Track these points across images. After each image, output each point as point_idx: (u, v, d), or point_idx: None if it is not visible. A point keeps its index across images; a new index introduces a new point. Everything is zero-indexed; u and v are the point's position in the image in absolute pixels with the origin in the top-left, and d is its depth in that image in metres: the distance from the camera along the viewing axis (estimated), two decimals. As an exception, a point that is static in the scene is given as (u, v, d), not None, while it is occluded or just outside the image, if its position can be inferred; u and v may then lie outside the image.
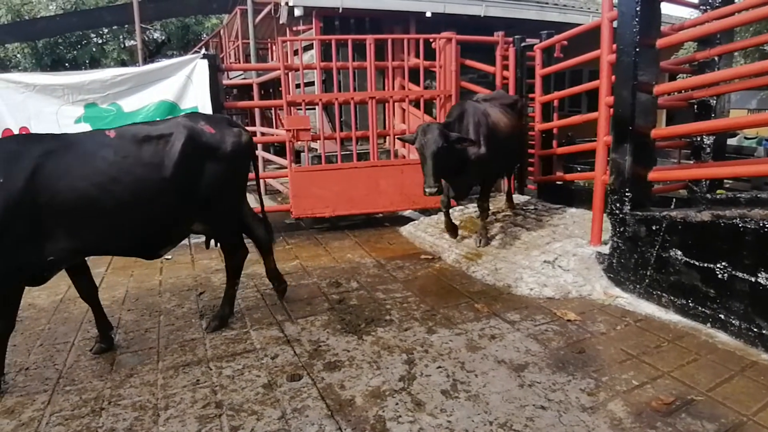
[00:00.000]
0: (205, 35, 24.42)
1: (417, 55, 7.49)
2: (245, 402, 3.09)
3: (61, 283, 5.21)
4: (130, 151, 3.45)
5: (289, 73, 7.08)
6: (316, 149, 7.56)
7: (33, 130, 6.37)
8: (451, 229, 5.95)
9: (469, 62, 8.06)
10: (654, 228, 4.20)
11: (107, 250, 3.82)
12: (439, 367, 3.41)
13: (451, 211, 7.07)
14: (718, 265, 3.71)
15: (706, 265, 3.81)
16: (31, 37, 19.81)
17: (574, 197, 6.92)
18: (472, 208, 7.14)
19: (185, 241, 6.19)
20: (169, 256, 6.09)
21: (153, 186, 3.48)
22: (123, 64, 22.96)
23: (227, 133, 3.82)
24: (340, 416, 2.91)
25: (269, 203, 9.27)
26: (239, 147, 3.86)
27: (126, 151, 3.44)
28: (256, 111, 11.29)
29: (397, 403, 3.01)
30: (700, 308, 3.89)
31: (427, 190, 4.77)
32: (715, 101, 5.47)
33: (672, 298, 4.10)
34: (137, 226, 3.55)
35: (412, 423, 2.83)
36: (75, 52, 23.69)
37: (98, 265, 5.63)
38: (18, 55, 23.04)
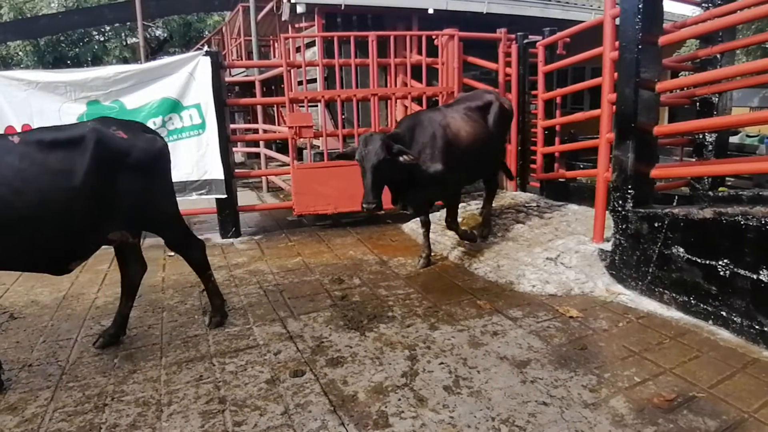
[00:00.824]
0: (207, 32, 24.43)
1: (419, 52, 7.50)
2: (248, 397, 3.10)
3: (63, 280, 5.24)
4: (36, 158, 3.19)
5: (292, 70, 7.08)
6: (319, 146, 7.57)
7: (35, 127, 6.39)
8: (425, 250, 5.47)
9: (471, 59, 8.06)
10: (656, 225, 4.20)
11: (11, 266, 3.54)
12: (442, 363, 3.42)
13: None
14: (720, 263, 3.71)
15: (708, 262, 3.81)
16: (33, 34, 19.83)
17: (577, 194, 6.92)
18: (474, 205, 7.15)
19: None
20: (172, 253, 6.11)
21: (60, 195, 3.23)
22: (125, 61, 22.99)
23: (140, 139, 3.60)
24: (342, 411, 2.92)
25: (272, 200, 9.30)
26: (152, 153, 3.63)
27: (31, 158, 3.18)
28: (259, 108, 11.29)
29: (399, 399, 3.02)
30: (702, 305, 3.89)
31: (364, 205, 4.49)
32: (717, 99, 5.48)
33: (674, 295, 4.11)
34: (44, 239, 3.28)
35: (414, 418, 2.84)
36: (77, 49, 23.72)
37: (101, 262, 5.65)
38: (20, 53, 23.08)
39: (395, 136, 4.81)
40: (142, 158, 3.56)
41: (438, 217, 6.85)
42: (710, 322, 3.83)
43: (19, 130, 6.37)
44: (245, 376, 3.34)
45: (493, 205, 7.10)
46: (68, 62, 23.50)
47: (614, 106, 4.78)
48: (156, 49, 26.15)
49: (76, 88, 6.35)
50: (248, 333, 3.98)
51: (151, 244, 6.51)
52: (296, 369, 3.39)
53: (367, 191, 4.49)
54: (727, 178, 6.00)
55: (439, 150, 4.88)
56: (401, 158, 4.53)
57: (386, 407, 2.95)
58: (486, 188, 6.17)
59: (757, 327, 3.49)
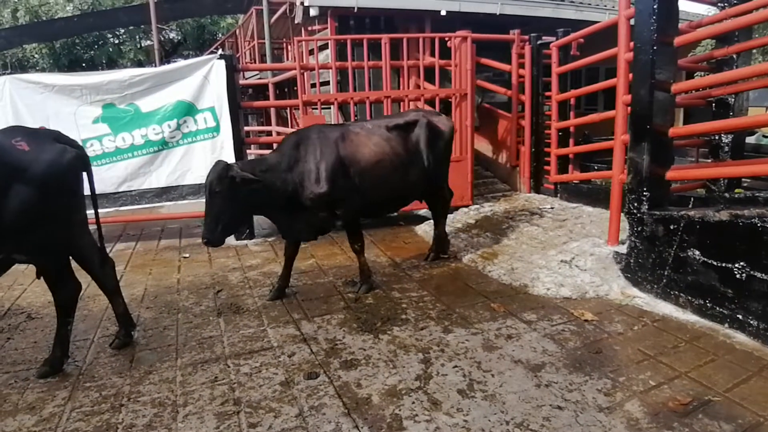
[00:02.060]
0: (220, 35, 24.57)
1: (432, 54, 7.49)
2: (263, 399, 3.11)
3: (80, 280, 5.29)
4: None
5: (305, 73, 7.11)
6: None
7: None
8: (281, 281, 4.84)
9: (484, 61, 8.06)
10: (672, 227, 4.17)
11: None
12: (456, 366, 3.41)
13: (465, 210, 7.11)
14: (737, 265, 3.68)
15: (724, 265, 3.78)
16: (49, 37, 20.06)
17: (591, 196, 6.89)
18: (487, 207, 7.14)
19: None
20: (187, 254, 6.16)
21: None
22: (139, 64, 23.22)
23: (44, 151, 3.28)
24: (356, 414, 2.93)
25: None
26: (55, 168, 3.29)
27: None
28: (272, 111, 11.34)
29: (413, 402, 3.02)
30: (717, 308, 3.86)
31: (203, 239, 4.15)
32: (733, 99, 5.43)
33: (689, 298, 4.08)
34: None
35: (428, 422, 2.84)
36: (92, 52, 23.97)
37: (117, 263, 5.68)
38: (36, 56, 23.35)
39: (259, 161, 4.46)
40: (41, 173, 3.21)
41: (452, 219, 6.86)
42: (726, 325, 3.80)
43: (35, 132, 6.45)
44: (260, 378, 3.36)
45: (505, 207, 7.11)
46: (83, 65, 23.77)
47: (629, 108, 4.75)
48: (170, 51, 26.36)
49: (92, 91, 6.42)
50: (262, 335, 4.00)
51: (167, 246, 6.58)
52: (310, 371, 3.40)
53: (205, 224, 4.14)
54: (743, 180, 5.94)
55: (327, 170, 4.39)
56: (250, 186, 4.08)
57: (400, 410, 2.95)
58: (431, 211, 5.85)
59: (774, 331, 3.46)
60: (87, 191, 3.72)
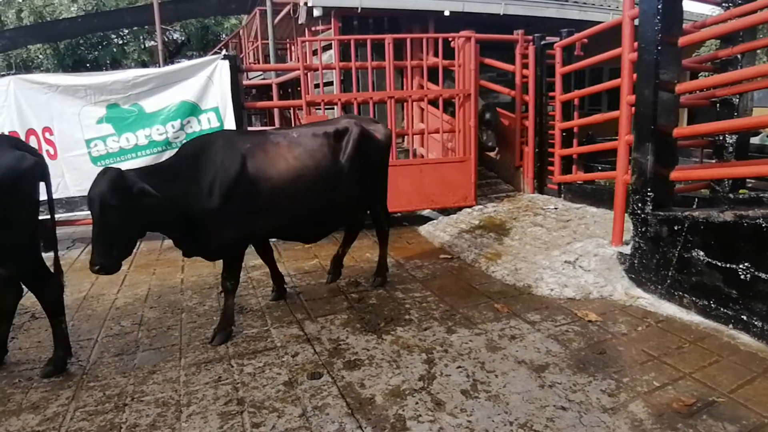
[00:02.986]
0: (224, 36, 24.63)
1: (436, 55, 7.49)
2: (266, 399, 3.12)
3: (84, 281, 5.33)
4: None
5: (308, 73, 7.12)
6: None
7: (55, 131, 6.50)
8: (225, 322, 4.07)
9: (488, 61, 8.05)
10: (676, 228, 4.16)
11: None
12: (459, 366, 3.41)
13: (469, 211, 7.11)
14: (741, 266, 3.67)
15: (728, 265, 3.77)
16: (53, 38, 20.13)
17: (595, 197, 6.87)
18: (491, 208, 7.13)
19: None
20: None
21: None
22: (143, 64, 23.28)
23: (2, 157, 3.17)
24: (360, 414, 2.93)
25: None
26: (12, 174, 3.18)
27: None
28: (276, 111, 11.34)
29: (416, 402, 3.02)
30: (722, 309, 3.85)
31: (93, 267, 3.30)
32: (737, 99, 5.41)
33: (694, 298, 4.06)
34: None
35: (432, 422, 2.84)
36: (96, 52, 24.04)
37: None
38: (40, 56, 23.43)
39: (155, 170, 3.86)
40: None
41: (455, 219, 6.86)
42: (730, 326, 3.78)
43: (40, 133, 6.47)
44: (263, 378, 3.36)
45: (509, 207, 7.10)
46: (87, 65, 23.84)
47: (633, 108, 4.75)
48: (174, 52, 26.42)
49: (96, 92, 6.44)
50: (266, 335, 4.01)
51: (171, 245, 6.57)
52: (314, 371, 3.40)
53: (95, 247, 3.31)
54: (748, 180, 5.92)
55: (224, 183, 3.77)
56: (146, 199, 3.37)
57: (404, 411, 2.95)
58: (345, 228, 5.20)
59: (779, 332, 3.45)
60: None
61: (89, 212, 3.34)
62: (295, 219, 4.22)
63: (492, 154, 8.71)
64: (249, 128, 7.29)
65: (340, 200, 4.46)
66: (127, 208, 3.31)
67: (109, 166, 3.93)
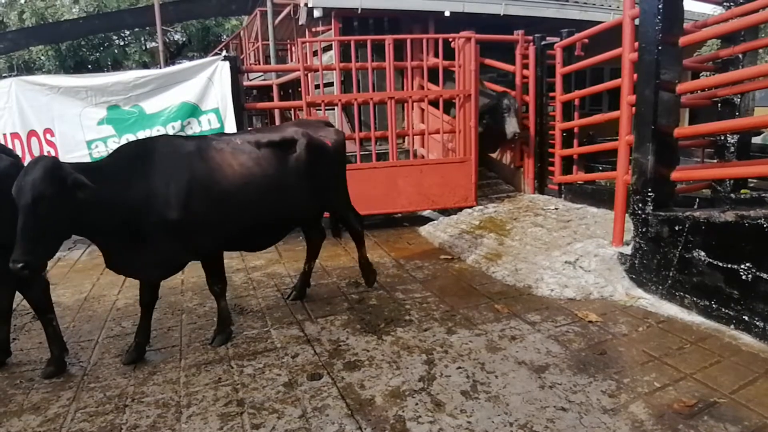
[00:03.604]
0: (225, 37, 24.61)
1: (436, 55, 7.49)
2: (266, 400, 3.11)
3: (85, 282, 5.34)
4: None
5: (309, 74, 7.11)
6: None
7: (56, 132, 6.52)
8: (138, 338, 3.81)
9: (488, 61, 8.06)
10: (677, 228, 4.15)
11: None
12: (459, 367, 3.41)
13: (469, 211, 7.10)
14: (742, 266, 3.66)
15: (729, 266, 3.76)
16: (55, 39, 20.11)
17: (596, 197, 6.86)
18: (491, 208, 7.12)
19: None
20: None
21: None
22: (144, 65, 23.27)
23: None
24: (360, 416, 2.92)
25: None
26: None
27: None
28: (276, 112, 11.33)
29: (416, 403, 3.02)
30: (723, 310, 3.84)
31: (11, 264, 2.91)
32: (739, 99, 5.40)
33: (695, 299, 4.06)
34: None
35: (432, 423, 2.83)
36: (97, 54, 24.03)
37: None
38: (42, 57, 23.41)
39: (90, 167, 3.51)
40: None
41: (455, 220, 6.85)
42: (732, 326, 3.78)
43: (41, 134, 6.48)
44: (263, 379, 3.36)
45: (509, 208, 7.09)
46: (89, 66, 23.83)
47: (634, 108, 4.74)
48: (175, 53, 26.42)
49: (97, 93, 6.45)
50: (266, 336, 4.00)
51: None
52: (314, 372, 3.40)
53: (19, 242, 2.93)
54: (749, 180, 5.91)
55: (180, 192, 3.52)
56: (81, 192, 3.07)
57: (403, 412, 2.94)
58: (307, 242, 4.95)
59: (780, 332, 3.44)
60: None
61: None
62: (240, 230, 3.96)
63: (493, 154, 8.71)
64: (249, 129, 7.29)
65: (291, 209, 4.26)
66: (59, 200, 3.01)
67: (44, 155, 3.56)
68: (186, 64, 6.98)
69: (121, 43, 24.94)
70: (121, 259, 3.55)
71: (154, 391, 3.29)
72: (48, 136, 6.54)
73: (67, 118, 6.47)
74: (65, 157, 6.52)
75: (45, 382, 3.44)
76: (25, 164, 3.12)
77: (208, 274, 4.00)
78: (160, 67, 11.58)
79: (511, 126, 7.43)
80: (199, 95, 6.60)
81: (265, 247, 4.61)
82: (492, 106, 7.58)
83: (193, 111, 6.61)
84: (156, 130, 6.54)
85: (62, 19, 20.60)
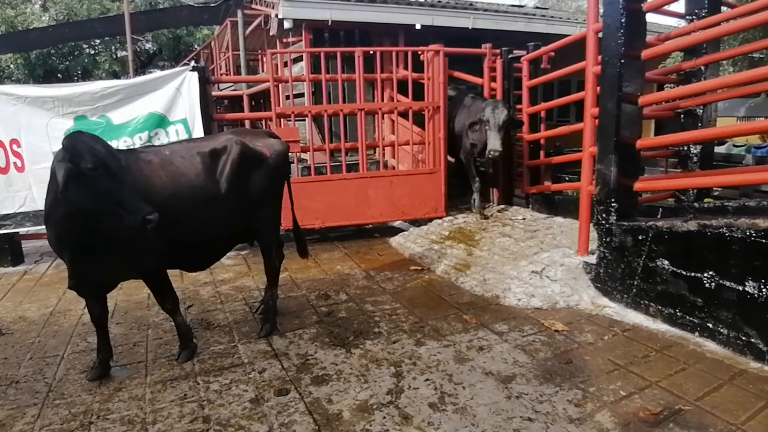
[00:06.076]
0: (196, 46, 24.41)
1: (406, 67, 7.54)
2: (232, 417, 3.07)
3: (51, 296, 5.24)
4: None
5: (279, 85, 7.09)
6: (306, 160, 7.57)
7: (23, 143, 6.38)
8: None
9: (457, 74, 8.12)
10: (640, 238, 4.22)
11: None
12: (427, 379, 3.40)
13: (439, 222, 7.12)
14: (706, 275, 3.73)
15: (693, 274, 3.83)
16: (24, 48, 19.76)
17: (562, 207, 6.96)
18: (461, 219, 7.16)
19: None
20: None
21: None
22: (115, 74, 22.98)
23: None
24: (327, 431, 2.90)
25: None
26: None
27: None
28: (246, 122, 11.28)
29: (384, 417, 3.00)
30: (687, 317, 3.90)
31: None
32: (702, 110, 5.52)
33: (659, 307, 4.12)
34: None
35: (399, 436, 2.83)
36: (67, 62, 23.67)
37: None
38: (11, 66, 22.99)
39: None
40: None
41: (426, 230, 6.86)
42: (696, 334, 3.84)
43: (7, 145, 6.35)
44: (229, 395, 3.31)
45: (478, 218, 7.11)
46: (59, 75, 23.46)
47: (597, 120, 4.81)
48: (145, 62, 26.14)
49: (64, 103, 6.35)
50: (233, 351, 3.95)
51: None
52: (281, 387, 3.37)
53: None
54: (714, 189, 6.04)
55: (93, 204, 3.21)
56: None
57: (371, 426, 2.93)
58: (265, 260, 4.45)
59: (743, 338, 3.51)
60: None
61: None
62: (172, 246, 3.64)
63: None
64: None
65: (224, 226, 3.99)
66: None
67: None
68: (154, 75, 6.91)
69: (92, 52, 24.59)
70: (75, 273, 3.46)
71: (119, 407, 3.23)
72: (14, 147, 6.39)
73: (34, 129, 6.34)
74: (31, 169, 6.42)
75: (9, 399, 3.36)
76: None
77: (154, 293, 3.86)
78: (131, 77, 11.46)
79: (491, 143, 6.62)
80: (167, 106, 6.53)
81: (204, 267, 4.33)
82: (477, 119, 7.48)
83: (160, 121, 6.54)
84: (123, 141, 6.44)
85: (32, 27, 20.29)
